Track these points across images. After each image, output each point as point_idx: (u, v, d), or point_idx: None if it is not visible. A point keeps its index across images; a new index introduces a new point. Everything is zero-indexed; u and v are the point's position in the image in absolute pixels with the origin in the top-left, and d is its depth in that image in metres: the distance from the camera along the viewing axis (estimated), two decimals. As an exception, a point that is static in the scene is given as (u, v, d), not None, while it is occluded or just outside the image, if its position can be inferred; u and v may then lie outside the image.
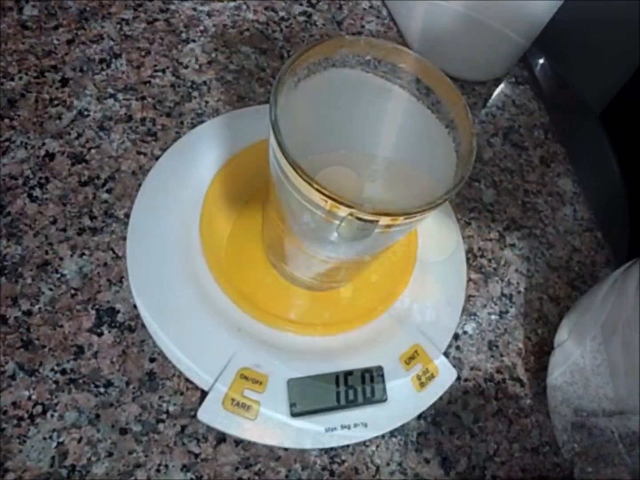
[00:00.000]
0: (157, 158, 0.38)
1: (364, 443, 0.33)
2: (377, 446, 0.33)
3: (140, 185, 0.37)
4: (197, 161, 0.36)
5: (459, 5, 0.45)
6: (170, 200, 0.35)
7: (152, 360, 0.33)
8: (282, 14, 0.47)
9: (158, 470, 0.30)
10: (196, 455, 0.31)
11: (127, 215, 0.36)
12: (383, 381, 0.32)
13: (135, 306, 0.33)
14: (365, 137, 0.25)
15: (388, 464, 0.33)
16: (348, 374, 0.32)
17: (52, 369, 0.31)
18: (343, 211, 0.21)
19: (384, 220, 0.22)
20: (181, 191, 0.35)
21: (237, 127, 0.38)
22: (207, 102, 0.42)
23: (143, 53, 0.42)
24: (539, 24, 0.45)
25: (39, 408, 0.30)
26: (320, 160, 0.23)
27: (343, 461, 0.32)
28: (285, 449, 0.32)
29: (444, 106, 0.25)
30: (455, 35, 0.46)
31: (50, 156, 0.37)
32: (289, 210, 0.25)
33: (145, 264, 0.33)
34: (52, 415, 0.30)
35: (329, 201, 0.21)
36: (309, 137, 0.24)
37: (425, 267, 0.35)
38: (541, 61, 0.49)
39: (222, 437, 0.32)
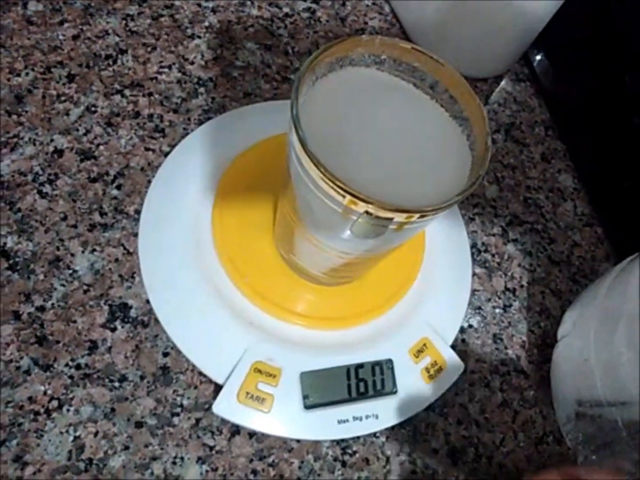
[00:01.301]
0: (165, 154, 0.39)
1: (374, 434, 0.33)
2: (387, 437, 0.34)
3: (149, 181, 0.37)
4: (206, 157, 0.36)
5: (461, 3, 0.45)
6: (180, 196, 0.35)
7: (165, 354, 0.33)
8: (286, 10, 0.48)
9: (174, 463, 0.31)
10: (211, 448, 0.31)
11: (137, 212, 0.36)
12: (393, 374, 0.33)
13: (148, 301, 0.34)
14: (379, 134, 0.26)
15: (398, 455, 0.34)
16: (359, 366, 0.32)
17: (67, 364, 0.32)
18: (360, 207, 0.21)
19: (399, 217, 0.22)
20: (191, 187, 0.35)
21: (245, 123, 0.38)
22: (213, 98, 0.42)
23: (149, 49, 0.42)
24: (540, 22, 0.45)
25: (55, 403, 0.31)
26: (336, 156, 0.24)
27: (354, 452, 0.33)
28: (298, 441, 0.32)
29: (458, 105, 0.26)
30: (457, 33, 0.47)
31: (59, 152, 0.37)
32: (306, 206, 0.26)
33: (157, 259, 0.33)
34: (68, 410, 0.31)
35: (348, 197, 0.21)
36: (325, 133, 0.25)
37: (432, 263, 0.36)
38: (539, 57, 0.50)
39: (236, 430, 0.32)
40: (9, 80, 0.39)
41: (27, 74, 0.39)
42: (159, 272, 0.33)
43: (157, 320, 0.33)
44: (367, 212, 0.22)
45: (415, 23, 0.48)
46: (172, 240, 0.34)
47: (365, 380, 0.32)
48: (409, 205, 0.22)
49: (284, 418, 0.31)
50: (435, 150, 0.26)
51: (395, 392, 0.32)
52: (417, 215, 0.22)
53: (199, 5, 0.46)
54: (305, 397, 0.31)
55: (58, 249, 0.34)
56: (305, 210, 0.27)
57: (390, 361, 0.33)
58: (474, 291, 0.40)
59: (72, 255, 0.34)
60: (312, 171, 0.22)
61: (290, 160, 0.24)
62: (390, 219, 0.22)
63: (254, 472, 0.31)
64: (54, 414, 0.30)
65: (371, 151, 0.25)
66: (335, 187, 0.21)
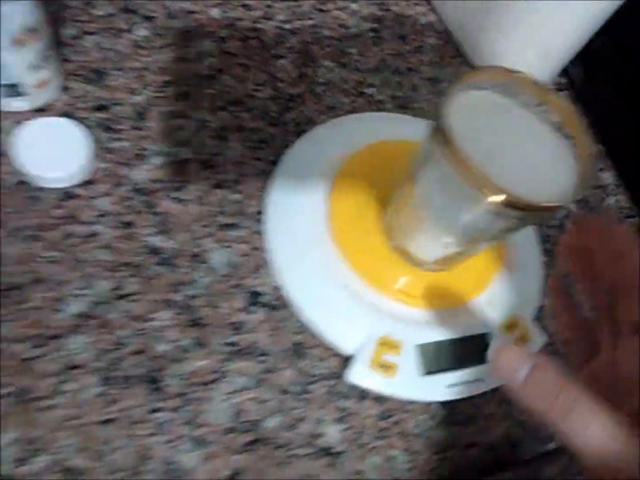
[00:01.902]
0: (272, 162, 0.44)
1: (475, 396, 0.40)
2: (487, 399, 0.40)
3: (262, 186, 0.43)
4: (317, 161, 0.42)
5: (510, 28, 0.52)
6: (298, 195, 0.41)
7: (297, 333, 0.39)
8: (354, 30, 0.54)
9: (317, 423, 0.37)
10: (344, 410, 0.38)
11: (257, 213, 0.42)
12: (490, 345, 0.39)
13: (275, 288, 0.40)
14: (499, 145, 0.32)
15: (495, 413, 0.40)
16: (464, 339, 0.38)
17: (219, 343, 0.37)
18: (504, 203, 0.28)
19: (532, 212, 0.29)
20: (307, 187, 0.41)
21: (347, 131, 0.44)
22: (302, 111, 0.48)
23: (243, 69, 0.48)
24: (578, 41, 0.52)
25: (214, 375, 0.36)
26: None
27: (460, 412, 0.39)
28: (415, 402, 0.39)
29: (561, 122, 0.32)
30: (506, 48, 0.54)
31: (183, 162, 0.43)
32: (441, 204, 0.32)
33: (284, 251, 0.39)
34: (225, 381, 0.36)
35: (498, 196, 0.27)
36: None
37: (512, 252, 0.42)
38: (573, 66, 0.57)
39: (363, 395, 0.38)
40: (129, 99, 0.44)
41: (143, 93, 0.44)
42: (288, 263, 0.39)
43: (286, 305, 0.39)
44: (510, 206, 0.28)
45: (467, 39, 0.55)
46: (295, 235, 0.40)
47: (469, 350, 0.38)
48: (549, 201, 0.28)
49: (405, 383, 0.37)
50: (546, 160, 0.32)
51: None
52: (546, 209, 0.28)
53: (279, 27, 0.52)
54: (422, 365, 0.37)
55: (196, 246, 0.40)
56: (440, 209, 0.33)
57: (488, 334, 0.39)
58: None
59: (208, 251, 0.40)
60: (463, 174, 0.28)
61: (437, 165, 0.31)
62: (524, 216, 0.29)
63: (381, 429, 0.38)
64: (214, 385, 0.36)
65: (493, 159, 0.31)
66: (486, 187, 0.27)
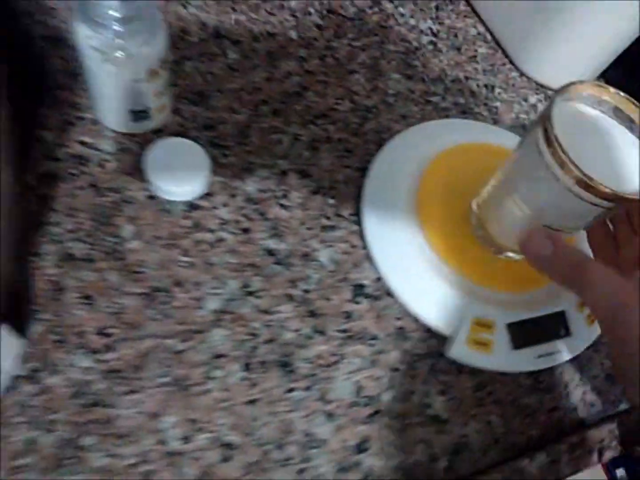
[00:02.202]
0: (358, 169, 0.50)
1: (556, 366, 0.46)
2: (565, 368, 0.46)
3: (353, 191, 0.48)
4: (405, 164, 0.47)
5: (555, 36, 0.57)
6: (390, 196, 0.46)
7: (399, 318, 0.45)
8: (415, 44, 0.59)
9: (425, 395, 0.42)
10: (445, 383, 0.43)
11: (351, 214, 0.48)
12: (567, 321, 0.45)
13: (376, 280, 0.45)
14: (592, 151, 0.37)
15: (572, 380, 0.46)
16: (545, 317, 0.44)
17: (334, 330, 0.43)
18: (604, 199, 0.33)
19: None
20: (398, 189, 0.47)
21: (424, 138, 0.50)
22: (379, 121, 0.54)
23: (323, 85, 0.54)
24: (620, 46, 0.58)
25: (334, 358, 0.42)
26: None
27: (543, 380, 0.45)
28: (505, 374, 0.44)
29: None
30: (551, 55, 0.59)
31: (284, 173, 0.48)
32: (533, 198, 0.38)
33: (382, 248, 0.45)
34: (344, 362, 0.42)
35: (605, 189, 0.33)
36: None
37: (581, 239, 0.48)
38: (614, 69, 0.63)
39: (460, 369, 0.44)
40: (231, 118, 0.50)
41: (242, 112, 0.50)
42: (385, 257, 0.45)
43: (387, 294, 0.45)
44: (606, 199, 0.34)
45: (514, 47, 0.60)
46: (390, 231, 0.45)
47: (549, 327, 0.44)
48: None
49: (497, 357, 0.43)
50: (630, 167, 0.38)
51: (570, 335, 0.45)
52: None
53: (350, 45, 0.57)
54: (512, 341, 0.43)
55: (304, 246, 0.46)
56: (527, 202, 0.38)
57: (564, 312, 0.45)
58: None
59: (315, 250, 0.46)
60: (569, 174, 0.34)
61: (532, 164, 0.36)
62: (613, 207, 0.34)
63: (478, 398, 0.43)
64: (336, 366, 0.42)
65: (589, 162, 0.36)
66: (584, 182, 0.33)
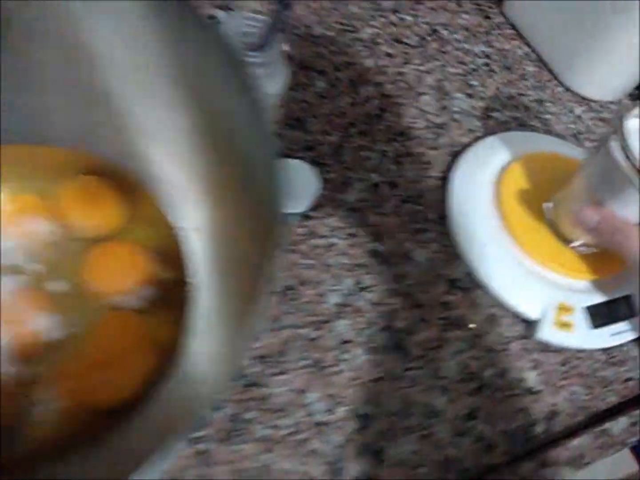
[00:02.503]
0: (440, 179, 0.57)
1: (627, 343, 0.53)
2: (636, 344, 0.53)
3: (437, 198, 0.56)
4: (483, 171, 0.55)
5: (595, 54, 0.65)
6: (472, 199, 0.54)
7: (490, 306, 0.52)
8: (471, 66, 0.67)
9: (519, 371, 0.49)
10: (535, 360, 0.50)
11: (439, 218, 0.55)
12: (632, 303, 0.52)
13: (467, 274, 0.52)
14: None
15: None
16: (616, 300, 0.51)
17: (436, 318, 0.50)
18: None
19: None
20: (478, 192, 0.54)
21: (495, 149, 0.57)
22: (450, 136, 0.61)
23: (399, 106, 0.61)
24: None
25: (439, 342, 0.49)
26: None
27: (617, 354, 0.52)
28: (585, 350, 0.51)
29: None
30: (593, 67, 0.67)
31: (376, 185, 0.56)
32: (606, 198, 0.45)
33: (470, 245, 0.52)
34: (448, 345, 0.49)
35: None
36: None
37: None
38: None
39: (546, 348, 0.51)
40: (325, 139, 0.57)
41: (334, 134, 0.57)
42: (474, 253, 0.52)
43: (478, 286, 0.52)
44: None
45: (559, 64, 0.68)
46: (476, 231, 0.52)
47: (620, 308, 0.51)
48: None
49: (578, 336, 0.50)
50: None
51: (636, 315, 0.52)
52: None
53: (417, 70, 0.65)
54: (591, 320, 0.50)
55: (402, 248, 0.53)
56: (602, 202, 0.46)
57: (630, 295, 0.52)
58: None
59: (411, 250, 0.53)
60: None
61: (607, 172, 0.43)
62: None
63: (563, 372, 0.50)
64: (441, 348, 0.49)
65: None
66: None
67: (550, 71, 0.69)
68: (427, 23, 0.68)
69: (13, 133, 0.36)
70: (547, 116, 0.66)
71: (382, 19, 0.66)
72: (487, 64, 0.67)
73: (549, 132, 0.64)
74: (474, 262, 0.51)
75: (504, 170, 0.54)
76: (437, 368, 0.47)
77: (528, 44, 0.71)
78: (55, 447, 0.33)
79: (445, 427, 0.45)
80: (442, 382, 0.47)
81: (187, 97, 0.32)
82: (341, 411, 0.44)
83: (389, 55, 0.64)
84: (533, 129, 0.63)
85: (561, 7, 0.64)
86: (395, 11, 0.67)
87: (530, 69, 0.69)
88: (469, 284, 0.52)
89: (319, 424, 0.43)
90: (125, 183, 0.38)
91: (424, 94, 0.62)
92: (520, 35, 0.71)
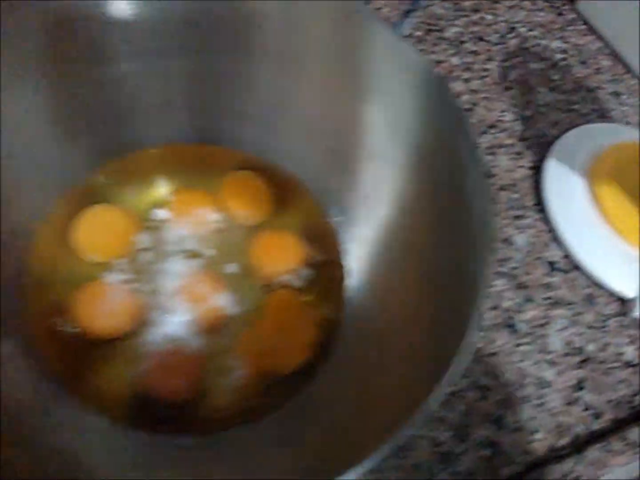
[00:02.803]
0: (531, 168, 0.61)
1: None
2: None
3: (531, 185, 0.59)
4: (572, 161, 0.58)
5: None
6: (566, 186, 0.57)
7: (588, 287, 0.56)
8: (550, 61, 0.70)
9: (618, 346, 0.53)
10: (631, 336, 0.54)
11: (535, 205, 0.59)
12: None
13: (565, 256, 0.56)
14: None
15: None
16: None
17: (540, 298, 0.54)
18: None
19: None
20: (572, 179, 0.58)
21: (582, 139, 0.61)
22: (538, 128, 0.65)
23: (487, 101, 0.65)
24: None
25: (544, 320, 0.53)
26: None
27: None
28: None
29: None
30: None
31: (474, 175, 0.60)
32: None
33: (567, 229, 0.56)
34: (552, 323, 0.53)
35: None
36: None
37: None
38: None
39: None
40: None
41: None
42: (571, 236, 0.56)
43: (575, 267, 0.56)
44: None
45: (631, 58, 0.71)
46: (572, 215, 0.56)
47: None
48: None
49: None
50: None
51: None
52: None
53: (501, 66, 0.68)
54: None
55: (503, 233, 0.57)
56: None
57: None
58: None
59: (512, 236, 0.57)
60: None
61: None
62: None
63: (659, 346, 0.54)
64: (547, 326, 0.53)
65: None
66: None
67: (625, 64, 0.72)
68: (505, 21, 0.72)
69: (185, 133, 0.41)
70: (625, 108, 0.69)
71: (464, 19, 0.70)
72: (564, 59, 0.71)
73: (628, 123, 0.67)
74: (571, 245, 0.55)
75: (594, 158, 0.58)
76: (545, 344, 0.51)
77: (601, 39, 0.74)
78: (240, 413, 0.37)
79: (556, 397, 0.49)
80: (550, 356, 0.51)
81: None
82: (463, 382, 0.48)
83: (473, 52, 0.68)
84: (613, 120, 0.67)
85: (634, 2, 0.67)
86: (476, 10, 0.71)
87: (605, 62, 0.72)
88: (567, 266, 0.56)
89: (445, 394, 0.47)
90: (278, 177, 0.43)
91: (509, 88, 0.66)
92: (593, 31, 0.75)
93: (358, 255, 0.41)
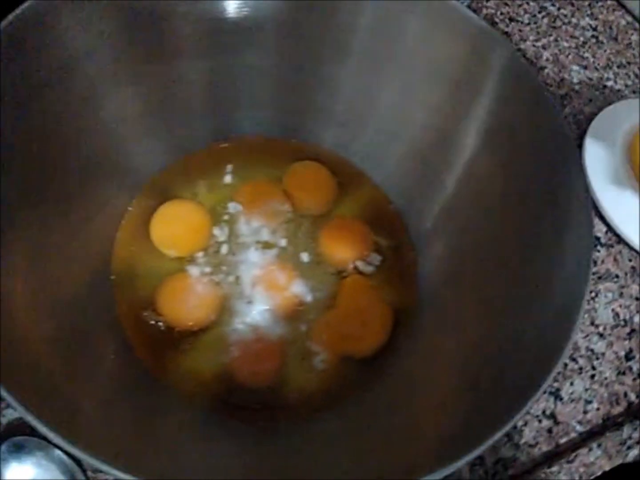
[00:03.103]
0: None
1: None
2: None
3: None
4: (609, 136, 0.60)
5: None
6: (606, 165, 0.59)
7: (631, 260, 0.57)
8: (582, 39, 0.71)
9: None
10: None
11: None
12: None
13: (606, 232, 0.58)
14: None
15: None
16: None
17: (587, 273, 0.56)
18: None
19: None
20: (611, 158, 0.59)
21: (619, 115, 0.62)
22: (574, 106, 0.66)
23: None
24: None
25: (592, 294, 0.55)
26: None
27: None
28: None
29: None
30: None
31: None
32: None
33: (610, 205, 0.58)
34: (600, 295, 0.55)
35: None
36: None
37: None
38: None
39: (686, 295, 0.57)
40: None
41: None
42: (613, 213, 0.57)
43: (617, 242, 0.57)
44: None
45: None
46: (613, 191, 0.58)
47: None
48: None
49: None
50: None
51: None
52: None
53: (534, 45, 0.69)
54: None
55: (546, 211, 0.58)
56: None
57: None
58: None
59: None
60: None
61: None
62: None
63: (702, 316, 0.56)
64: (596, 299, 0.55)
65: None
66: None
67: (652, 45, 0.73)
68: (535, 0, 0.72)
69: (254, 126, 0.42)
70: (656, 82, 0.70)
71: (495, 0, 0.71)
72: (595, 36, 0.72)
73: (660, 98, 0.69)
74: (613, 220, 0.57)
75: (631, 134, 0.59)
76: (594, 317, 0.53)
77: (630, 13, 0.75)
78: (321, 396, 0.39)
79: (608, 367, 0.51)
80: (599, 329, 0.53)
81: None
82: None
83: (505, 33, 0.68)
84: (645, 96, 0.68)
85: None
86: (505, -10, 0.71)
87: (635, 37, 0.73)
88: (610, 241, 0.57)
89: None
90: (342, 168, 0.44)
91: (544, 67, 0.67)
92: (622, 5, 0.75)
93: (433, 244, 0.43)
